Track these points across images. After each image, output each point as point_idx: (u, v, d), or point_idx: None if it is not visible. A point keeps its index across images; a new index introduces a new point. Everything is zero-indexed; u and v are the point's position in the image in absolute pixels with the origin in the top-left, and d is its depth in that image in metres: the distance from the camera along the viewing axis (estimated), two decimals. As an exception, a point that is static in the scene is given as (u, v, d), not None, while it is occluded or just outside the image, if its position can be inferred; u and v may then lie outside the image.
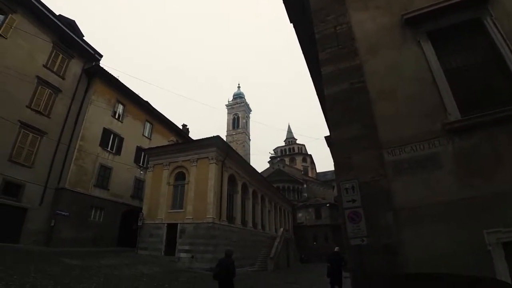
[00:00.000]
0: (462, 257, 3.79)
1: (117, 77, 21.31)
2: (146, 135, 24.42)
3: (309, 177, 54.53)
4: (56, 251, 13.47)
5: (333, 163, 6.99)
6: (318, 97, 10.73)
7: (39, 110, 16.55)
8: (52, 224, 15.96)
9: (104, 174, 19.56)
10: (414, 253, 4.14)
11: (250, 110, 79.83)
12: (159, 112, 25.91)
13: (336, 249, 10.58)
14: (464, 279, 2.52)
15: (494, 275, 3.49)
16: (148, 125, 24.82)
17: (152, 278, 11.20)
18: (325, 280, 11.29)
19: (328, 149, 11.79)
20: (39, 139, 16.41)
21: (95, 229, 18.09)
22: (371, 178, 4.70)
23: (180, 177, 18.92)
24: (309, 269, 21.89)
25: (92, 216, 18.27)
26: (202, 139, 19.06)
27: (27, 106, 15.96)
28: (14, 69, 15.12)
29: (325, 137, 12.93)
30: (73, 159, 17.51)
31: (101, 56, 21.00)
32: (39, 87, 16.73)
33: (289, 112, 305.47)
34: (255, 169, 25.03)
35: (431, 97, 4.74)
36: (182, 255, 16.26)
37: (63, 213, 16.19)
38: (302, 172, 53.53)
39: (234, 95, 79.59)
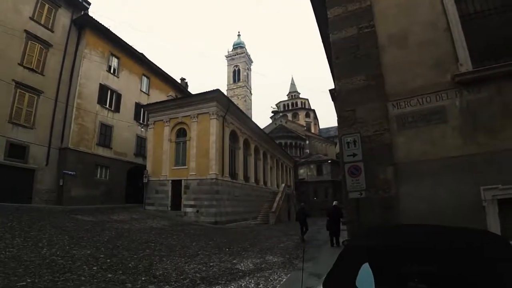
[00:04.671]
0: (458, 212, 3.87)
1: (108, 27, 19.99)
2: (144, 90, 23.75)
3: (312, 133, 54.60)
4: (67, 209, 14.08)
5: (336, 119, 6.84)
6: (324, 47, 10.05)
7: (31, 67, 15.89)
8: (61, 184, 16.43)
9: (106, 133, 19.51)
10: (412, 207, 4.23)
11: (252, 62, 76.14)
12: (156, 65, 24.80)
13: (335, 203, 10.90)
14: (452, 229, 2.52)
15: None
16: (145, 80, 24.00)
17: (160, 231, 11.84)
18: (324, 233, 11.87)
19: (332, 104, 11.40)
20: (36, 98, 16.06)
21: (102, 187, 18.69)
22: (374, 132, 4.60)
23: (181, 133, 18.86)
24: (309, 223, 23.03)
25: (98, 175, 18.72)
26: (202, 93, 18.46)
27: (19, 64, 15.30)
28: (0, 24, 14.19)
29: (329, 90, 12.35)
30: (73, 118, 17.30)
31: (89, 3, 19.53)
32: (29, 42, 15.84)
33: (292, 63, 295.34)
34: (257, 125, 24.79)
35: (443, 45, 4.43)
36: (188, 209, 16.98)
37: (70, 172, 16.57)
38: (305, 128, 53.42)
39: (234, 45, 75.23)
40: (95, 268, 5.86)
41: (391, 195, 4.42)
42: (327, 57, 10.21)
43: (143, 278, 5.48)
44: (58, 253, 6.61)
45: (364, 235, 3.03)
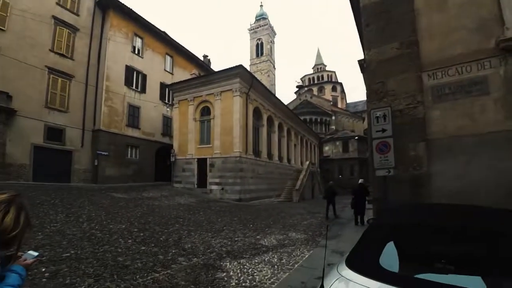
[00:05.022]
0: (495, 191, 3.62)
1: (130, 7, 20.02)
2: (168, 69, 23.97)
3: (338, 108, 52.69)
4: (103, 187, 15.18)
5: (365, 92, 6.49)
6: (354, 14, 9.33)
7: (62, 52, 16.54)
8: (96, 164, 17.54)
9: (134, 114, 20.21)
10: (444, 186, 4.01)
11: (275, 34, 72.64)
12: (178, 43, 24.73)
13: (361, 181, 10.63)
14: (486, 210, 2.33)
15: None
16: (168, 59, 24.13)
17: (188, 207, 12.40)
18: (348, 211, 11.76)
19: (361, 76, 10.69)
20: (68, 83, 16.84)
21: (133, 166, 19.72)
22: (406, 105, 4.31)
23: (205, 112, 19.02)
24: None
25: (129, 155, 19.70)
26: (225, 69, 18.14)
27: (50, 50, 15.98)
28: (29, 11, 14.74)
29: (358, 61, 11.54)
30: (103, 100, 18.03)
31: (110, -16, 19.60)
32: (57, 28, 16.40)
33: (319, 33, 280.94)
34: (281, 101, 24.26)
35: (488, 6, 3.96)
36: (213, 187, 17.49)
37: (103, 153, 17.59)
38: (331, 103, 51.37)
39: (256, 17, 71.96)
40: (130, 241, 6.28)
41: (422, 173, 4.20)
42: (357, 26, 9.52)
43: (173, 251, 5.80)
44: (96, 227, 7.18)
45: (391, 213, 2.94)
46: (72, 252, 5.15)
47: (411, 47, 4.28)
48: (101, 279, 4.04)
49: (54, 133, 15.95)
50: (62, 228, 6.73)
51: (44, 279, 3.88)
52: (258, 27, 69.65)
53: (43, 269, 4.18)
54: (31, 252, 1.38)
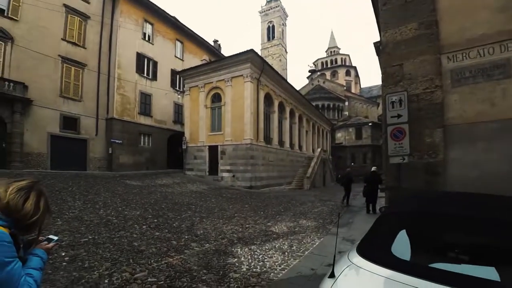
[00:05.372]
0: None
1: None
2: (178, 56, 23.83)
3: (352, 93, 51.37)
4: (117, 175, 15.57)
5: (380, 75, 6.28)
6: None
7: (74, 41, 16.70)
8: (110, 152, 17.96)
9: (145, 101, 20.36)
10: (461, 174, 3.89)
11: (287, 16, 70.11)
12: (188, 28, 24.42)
13: (373, 168, 10.45)
14: (505, 199, 2.22)
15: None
16: (179, 45, 23.94)
17: (199, 194, 12.62)
18: (360, 199, 11.65)
19: (377, 60, 10.28)
20: (81, 71, 17.07)
21: (146, 154, 20.09)
22: (423, 89, 4.14)
23: (216, 98, 18.92)
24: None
25: (142, 142, 20.02)
26: (235, 54, 17.81)
27: (62, 39, 16.16)
28: (41, 0, 14.82)
29: (374, 43, 11.09)
30: (115, 88, 18.21)
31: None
32: (69, 16, 16.51)
33: (332, 15, 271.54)
34: (292, 86, 23.71)
35: None
36: (224, 174, 17.64)
37: (117, 141, 17.96)
38: (345, 88, 50.04)
39: None
40: (145, 227, 6.46)
41: (438, 160, 4.06)
42: (373, 5, 9.09)
43: (186, 237, 5.93)
44: (112, 213, 7.41)
45: (403, 201, 2.87)
46: (90, 237, 5.36)
47: (431, 28, 4.05)
48: (117, 263, 4.20)
49: (69, 122, 16.36)
50: (80, 214, 6.98)
51: (64, 263, 4.06)
52: (269, 9, 67.26)
53: (63, 254, 4.37)
54: (51, 236, 1.44)
